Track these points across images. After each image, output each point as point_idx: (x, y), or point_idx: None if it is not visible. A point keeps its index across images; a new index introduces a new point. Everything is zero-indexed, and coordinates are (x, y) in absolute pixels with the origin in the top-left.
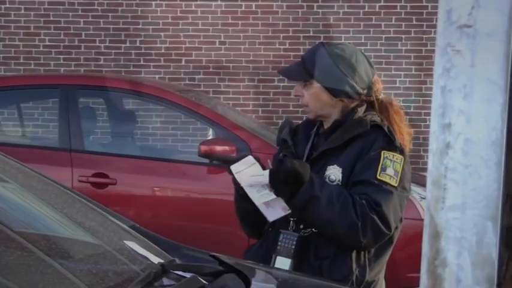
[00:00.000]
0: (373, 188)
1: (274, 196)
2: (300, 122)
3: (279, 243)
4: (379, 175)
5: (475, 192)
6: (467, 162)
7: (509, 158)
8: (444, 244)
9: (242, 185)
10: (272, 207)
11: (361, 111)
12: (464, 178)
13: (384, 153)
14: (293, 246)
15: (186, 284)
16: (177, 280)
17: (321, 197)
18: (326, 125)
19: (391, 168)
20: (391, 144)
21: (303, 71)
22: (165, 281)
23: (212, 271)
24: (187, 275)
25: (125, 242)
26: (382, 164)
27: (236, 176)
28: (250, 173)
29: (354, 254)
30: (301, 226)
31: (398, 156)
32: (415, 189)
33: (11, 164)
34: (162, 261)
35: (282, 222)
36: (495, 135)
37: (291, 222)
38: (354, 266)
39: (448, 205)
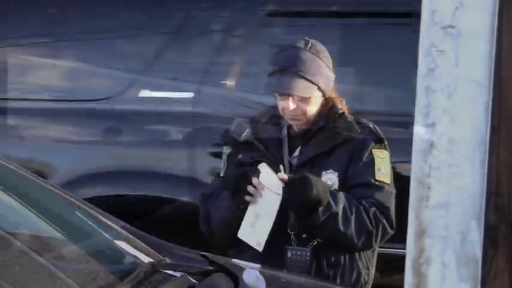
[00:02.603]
0: (376, 190)
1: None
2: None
3: (289, 260)
4: (377, 176)
5: (459, 191)
6: (451, 161)
7: (493, 157)
8: (428, 242)
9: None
10: (253, 230)
11: (338, 108)
12: (449, 177)
13: (376, 153)
14: (307, 261)
15: (176, 282)
16: (167, 279)
17: (338, 212)
18: (297, 126)
19: (383, 166)
20: (378, 142)
21: (308, 84)
22: (155, 280)
23: (202, 270)
24: (177, 274)
25: (116, 241)
26: (377, 164)
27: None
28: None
29: (357, 256)
30: (304, 236)
31: (385, 153)
32: None
33: (4, 166)
34: (152, 260)
35: (280, 236)
36: (479, 135)
37: (292, 236)
38: (361, 267)
39: (433, 204)
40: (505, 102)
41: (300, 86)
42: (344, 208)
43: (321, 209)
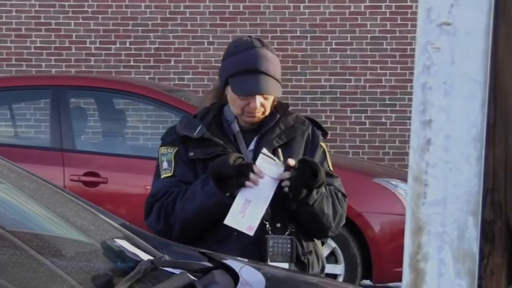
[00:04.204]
0: (334, 179)
1: (274, 187)
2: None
3: (270, 249)
4: (330, 166)
5: (455, 188)
6: (448, 158)
7: (489, 153)
8: (426, 239)
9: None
10: (242, 215)
11: (285, 103)
12: (445, 174)
13: (323, 145)
14: (288, 249)
15: (176, 280)
16: (166, 277)
17: (324, 192)
18: (249, 122)
19: (330, 158)
20: (323, 135)
21: (276, 83)
22: (155, 277)
23: (201, 267)
24: (177, 271)
25: (116, 239)
26: (327, 156)
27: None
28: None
29: (317, 244)
30: (278, 225)
31: (325, 145)
32: (400, 185)
33: (3, 164)
34: (151, 258)
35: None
36: (475, 131)
37: (267, 225)
38: (322, 255)
39: (429, 200)
40: (500, 99)
41: (273, 86)
42: (326, 190)
43: (316, 189)
